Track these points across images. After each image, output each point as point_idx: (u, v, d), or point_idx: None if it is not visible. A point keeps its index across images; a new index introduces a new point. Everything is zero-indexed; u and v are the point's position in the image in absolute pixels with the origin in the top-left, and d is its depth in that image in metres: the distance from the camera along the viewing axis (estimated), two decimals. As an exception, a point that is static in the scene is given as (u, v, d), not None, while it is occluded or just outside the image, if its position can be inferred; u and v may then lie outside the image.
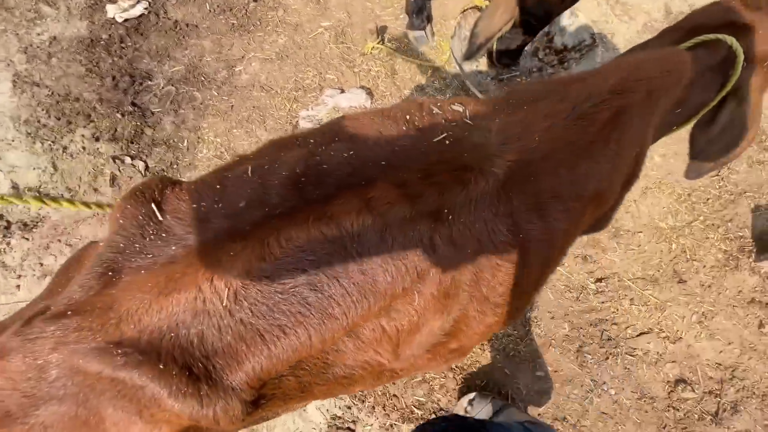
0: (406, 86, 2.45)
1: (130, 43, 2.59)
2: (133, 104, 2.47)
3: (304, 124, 2.36)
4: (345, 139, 0.80)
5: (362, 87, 2.43)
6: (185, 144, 2.39)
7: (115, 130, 2.40)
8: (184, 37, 2.61)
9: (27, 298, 1.99)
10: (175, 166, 2.35)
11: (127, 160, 2.34)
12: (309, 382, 0.75)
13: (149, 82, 2.52)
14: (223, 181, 0.74)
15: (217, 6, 2.67)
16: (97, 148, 2.36)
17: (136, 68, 2.53)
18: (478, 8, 2.32)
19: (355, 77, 2.47)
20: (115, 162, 2.33)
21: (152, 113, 2.45)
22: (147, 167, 2.35)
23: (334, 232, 0.66)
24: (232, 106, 2.45)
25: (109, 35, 2.58)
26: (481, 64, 2.43)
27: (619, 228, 2.20)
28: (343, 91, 2.42)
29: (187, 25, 2.64)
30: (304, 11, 2.63)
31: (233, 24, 2.62)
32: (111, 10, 2.65)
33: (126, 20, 2.60)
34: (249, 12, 2.65)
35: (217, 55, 2.56)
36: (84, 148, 2.35)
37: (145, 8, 2.66)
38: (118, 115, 2.43)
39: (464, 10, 2.24)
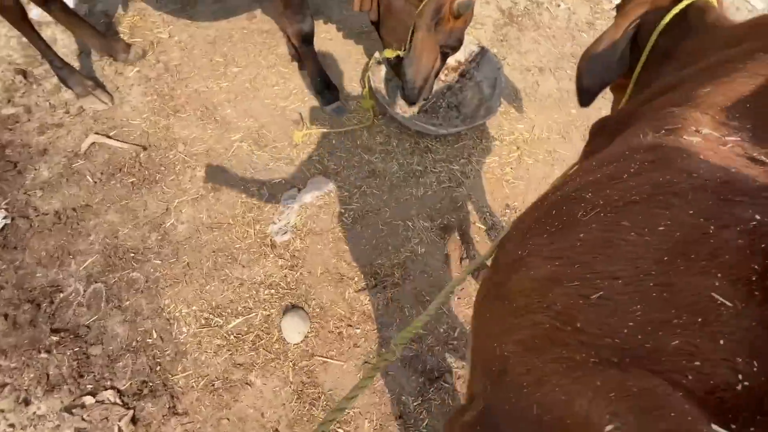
0: (354, 153, 2.41)
1: (4, 266, 1.98)
2: (55, 331, 1.86)
3: (282, 239, 2.11)
4: None
5: (315, 174, 2.30)
6: (155, 335, 1.89)
7: (47, 376, 1.77)
8: (77, 223, 2.11)
9: None
10: (158, 368, 1.82)
11: (89, 400, 1.73)
12: None
13: (61, 294, 1.95)
14: None
15: (101, 173, 2.25)
16: (34, 413, 1.69)
17: (32, 289, 1.94)
18: (380, 61, 2.47)
19: (300, 170, 2.34)
20: (72, 414, 1.70)
21: (87, 327, 1.89)
22: (120, 392, 1.77)
23: None
24: (188, 263, 2.04)
25: (-26, 270, 1.93)
26: (400, 103, 2.56)
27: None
28: (299, 189, 2.25)
29: (74, 209, 2.15)
30: (207, 135, 2.40)
31: (132, 182, 2.24)
32: (-44, 241, 2.01)
33: (-12, 242, 2.00)
34: (143, 163, 2.30)
35: (134, 222, 2.13)
36: (13, 425, 1.66)
37: (5, 217, 2.09)
38: (42, 356, 1.80)
39: (369, 66, 2.36)
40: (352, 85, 2.68)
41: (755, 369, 0.43)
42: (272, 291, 2.00)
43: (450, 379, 1.88)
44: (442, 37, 2.00)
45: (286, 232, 2.13)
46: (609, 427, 0.43)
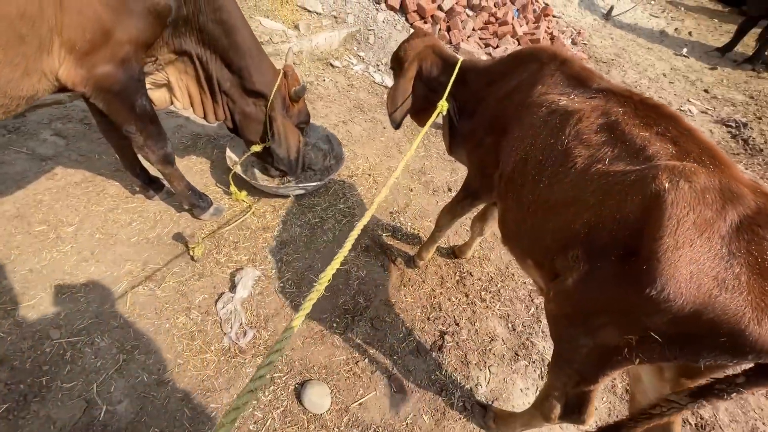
0: (256, 239, 2.50)
1: None
2: None
3: (246, 340, 2.02)
4: None
5: (235, 271, 2.29)
6: None
7: None
8: None
9: None
10: None
11: None
12: None
13: None
14: None
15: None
16: None
17: None
18: (235, 161, 2.68)
19: (216, 276, 2.27)
20: None
21: None
22: None
23: None
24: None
25: None
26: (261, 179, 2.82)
27: (415, 174, 3.39)
28: (233, 289, 2.20)
29: None
30: (84, 305, 2.02)
31: (18, 401, 1.67)
32: None
33: None
34: (17, 379, 1.75)
35: (48, 446, 1.60)
36: None
37: None
38: None
39: (233, 167, 2.55)
40: (209, 188, 2.76)
41: None
42: (271, 389, 1.90)
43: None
44: (294, 118, 2.46)
45: (245, 333, 2.05)
46: None
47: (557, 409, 1.45)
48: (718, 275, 0.94)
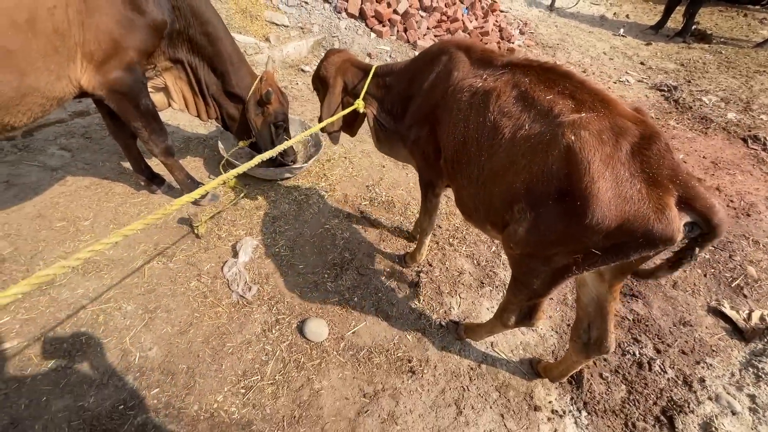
0: (251, 217, 2.87)
1: None
2: None
3: (251, 293, 2.37)
4: None
5: (233, 245, 2.64)
6: (211, 436, 1.83)
7: None
8: None
9: None
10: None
11: None
12: None
13: None
14: None
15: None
16: None
17: None
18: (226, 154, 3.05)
19: (220, 248, 2.62)
20: None
21: None
22: (221, 500, 1.66)
23: None
24: (187, 367, 2.03)
25: None
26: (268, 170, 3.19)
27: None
28: (235, 256, 2.55)
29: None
30: (108, 278, 2.35)
31: (65, 364, 1.99)
32: None
33: None
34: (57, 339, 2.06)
35: (95, 386, 1.93)
36: None
37: None
38: None
39: (224, 158, 2.92)
40: (204, 180, 3.13)
41: None
42: (277, 327, 2.26)
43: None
44: (271, 117, 2.86)
45: (250, 288, 2.41)
46: None
47: (513, 318, 1.80)
48: (626, 194, 1.17)
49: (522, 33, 6.85)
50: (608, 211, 1.17)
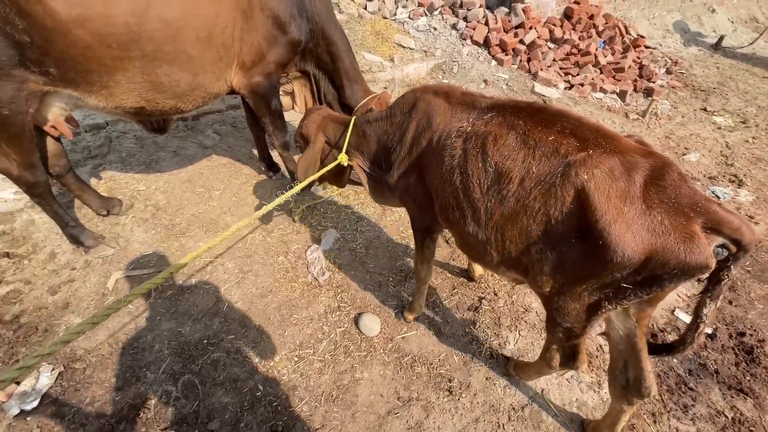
0: (340, 211, 3.20)
1: (73, 409, 1.99)
2: (164, 430, 1.94)
3: (324, 278, 2.65)
4: None
5: (320, 233, 2.99)
6: (261, 389, 2.12)
7: (180, 465, 1.82)
8: (134, 343, 2.27)
9: None
10: (279, 410, 2.04)
11: (234, 460, 1.84)
12: None
13: (153, 401, 2.04)
14: None
15: (136, 300, 2.48)
16: (187, 498, 1.72)
17: (116, 412, 1.99)
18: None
19: (308, 234, 2.99)
20: (225, 478, 1.78)
21: (195, 412, 2.01)
22: (257, 443, 1.92)
23: None
24: (258, 325, 2.38)
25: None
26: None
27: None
28: (318, 243, 2.89)
29: (124, 334, 2.31)
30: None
31: (171, 294, 2.52)
32: (12, 407, 1.96)
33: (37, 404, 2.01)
34: (172, 277, 2.62)
35: (191, 319, 2.40)
36: None
37: (53, 370, 2.13)
38: (167, 450, 1.86)
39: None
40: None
41: None
42: (336, 313, 2.48)
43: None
44: None
45: (324, 273, 2.69)
46: None
47: (557, 359, 1.70)
48: (649, 227, 1.16)
49: (669, 72, 6.10)
50: (632, 246, 1.16)
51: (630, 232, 1.16)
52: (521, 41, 5.27)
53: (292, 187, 2.07)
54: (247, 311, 2.46)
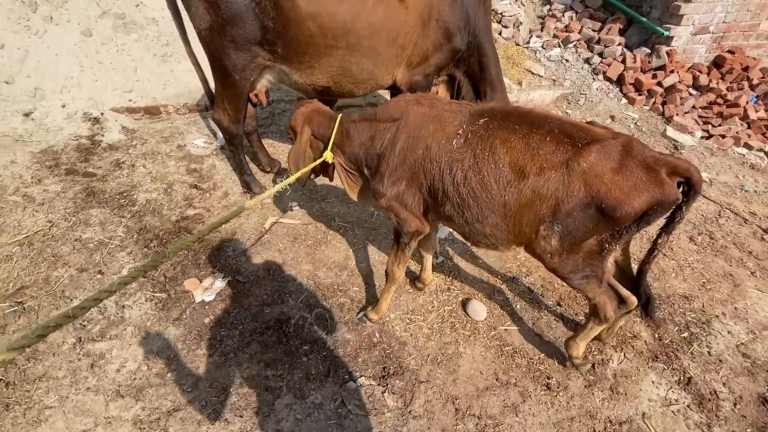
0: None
1: (237, 309, 2.50)
2: (302, 343, 2.35)
3: (438, 260, 2.93)
4: None
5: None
6: (377, 336, 2.44)
7: (310, 374, 2.20)
8: (282, 275, 2.75)
9: None
10: (391, 356, 2.34)
11: (351, 386, 2.17)
12: None
13: (293, 321, 2.48)
14: None
15: (284, 242, 3.00)
16: (312, 402, 2.09)
17: (267, 321, 2.45)
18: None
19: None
20: (342, 397, 2.11)
21: (323, 339, 2.40)
22: (369, 377, 2.23)
23: None
24: (379, 285, 2.73)
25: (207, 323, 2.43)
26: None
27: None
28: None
29: (276, 265, 2.81)
30: (353, 209, 3.34)
31: (310, 244, 3.00)
32: (198, 296, 2.53)
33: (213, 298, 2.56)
34: (313, 233, 3.11)
35: (325, 266, 2.83)
36: (298, 418, 2.03)
37: (224, 278, 2.68)
38: (303, 359, 2.26)
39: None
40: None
41: None
42: (446, 293, 2.74)
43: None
44: None
45: (438, 257, 2.98)
46: None
47: (609, 306, 1.99)
48: (636, 185, 1.59)
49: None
50: (630, 200, 1.59)
51: (625, 193, 1.59)
52: (659, 83, 5.11)
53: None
54: (369, 272, 2.84)
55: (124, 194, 3.26)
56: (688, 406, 2.20)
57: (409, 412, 2.08)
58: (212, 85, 2.96)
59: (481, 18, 2.99)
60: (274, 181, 3.62)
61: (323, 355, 2.31)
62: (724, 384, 2.31)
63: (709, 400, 2.23)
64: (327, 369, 2.24)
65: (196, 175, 3.55)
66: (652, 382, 2.31)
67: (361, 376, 2.23)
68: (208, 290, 2.56)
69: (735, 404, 2.22)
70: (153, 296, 2.51)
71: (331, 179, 2.55)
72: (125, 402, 2.01)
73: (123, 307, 2.44)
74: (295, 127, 2.31)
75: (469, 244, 2.13)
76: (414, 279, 2.75)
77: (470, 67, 3.22)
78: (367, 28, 2.53)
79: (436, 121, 1.91)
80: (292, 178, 2.09)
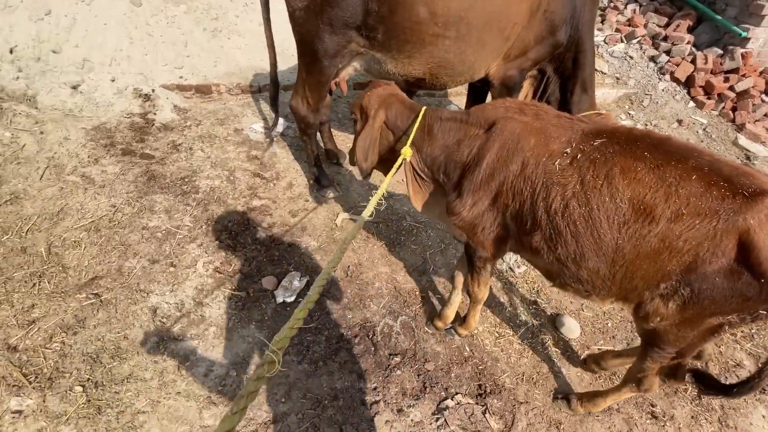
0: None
1: (318, 312, 2.36)
2: (392, 354, 2.22)
3: (519, 270, 2.79)
4: None
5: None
6: (467, 350, 2.31)
7: (405, 389, 2.08)
8: (359, 276, 2.61)
9: None
10: (484, 372, 2.22)
11: (450, 403, 2.05)
12: None
13: (377, 328, 2.34)
14: None
15: (357, 240, 2.85)
16: (412, 420, 1.97)
17: (351, 326, 2.32)
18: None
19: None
20: (443, 416, 2.00)
21: (413, 350, 2.27)
22: (465, 394, 2.11)
23: None
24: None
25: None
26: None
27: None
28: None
29: (353, 266, 2.67)
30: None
31: (385, 243, 2.85)
32: (279, 296, 2.40)
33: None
34: (384, 231, 2.96)
35: (402, 270, 2.69)
36: None
37: (301, 278, 2.54)
38: (397, 373, 2.14)
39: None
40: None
41: None
42: (534, 306, 2.60)
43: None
44: None
45: (519, 266, 2.83)
46: None
47: (653, 382, 1.76)
48: None
49: None
50: None
51: None
52: (731, 87, 4.84)
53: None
54: (449, 279, 2.69)
55: (186, 180, 3.10)
56: (803, 445, 2.08)
57: (515, 436, 1.97)
58: (284, 69, 2.75)
59: (587, 11, 2.75)
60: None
61: (415, 368, 2.19)
62: (838, 423, 2.18)
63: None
64: (422, 384, 2.12)
65: (257, 162, 3.38)
66: (763, 416, 2.18)
67: (456, 393, 2.11)
68: (288, 291, 2.43)
69: None
70: (232, 294, 2.38)
71: (386, 173, 2.02)
72: (219, 410, 1.90)
73: (201, 304, 2.31)
74: (368, 109, 2.00)
75: (552, 285, 1.79)
76: (433, 317, 2.39)
77: (564, 63, 2.99)
78: (482, 17, 2.31)
79: (539, 134, 1.59)
80: (383, 186, 1.76)
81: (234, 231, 2.77)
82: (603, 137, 1.49)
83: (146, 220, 2.74)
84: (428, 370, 2.19)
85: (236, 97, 4.15)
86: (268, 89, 3.04)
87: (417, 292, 2.58)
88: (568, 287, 1.69)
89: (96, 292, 2.26)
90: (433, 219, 2.10)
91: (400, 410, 2.00)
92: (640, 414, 2.12)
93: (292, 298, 2.41)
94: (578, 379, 2.25)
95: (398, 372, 2.15)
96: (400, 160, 1.90)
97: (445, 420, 1.97)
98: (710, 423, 2.12)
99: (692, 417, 2.14)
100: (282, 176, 3.30)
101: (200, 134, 3.56)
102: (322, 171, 3.12)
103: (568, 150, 1.52)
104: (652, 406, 2.16)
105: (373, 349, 2.24)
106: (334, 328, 2.31)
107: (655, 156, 1.39)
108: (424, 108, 1.93)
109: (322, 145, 3.46)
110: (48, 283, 2.24)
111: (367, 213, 1.57)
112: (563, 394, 2.14)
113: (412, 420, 1.98)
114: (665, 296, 1.43)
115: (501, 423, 2.02)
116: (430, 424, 1.97)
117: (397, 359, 2.21)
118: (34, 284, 2.22)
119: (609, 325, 2.55)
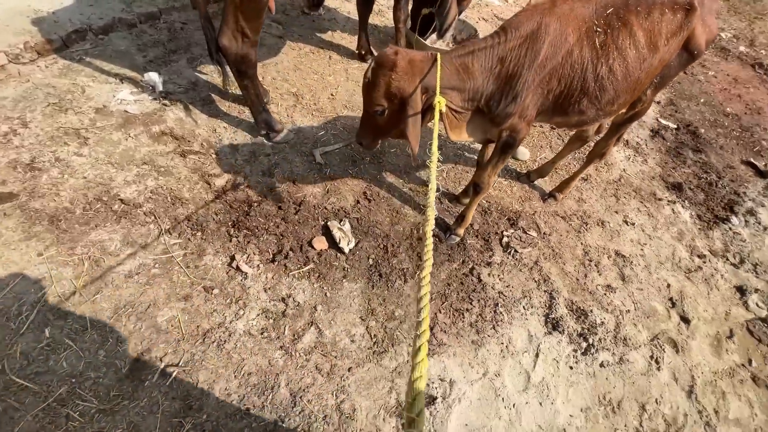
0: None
1: None
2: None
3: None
4: None
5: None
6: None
7: (478, 249, 2.62)
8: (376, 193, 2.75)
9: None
10: (505, 209, 2.93)
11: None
12: None
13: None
14: None
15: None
16: None
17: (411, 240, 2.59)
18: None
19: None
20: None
21: None
22: (506, 229, 2.82)
23: None
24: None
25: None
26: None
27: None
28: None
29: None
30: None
31: (370, 159, 2.95)
32: (345, 246, 2.39)
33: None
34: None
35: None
36: (500, 270, 2.53)
37: (344, 220, 2.53)
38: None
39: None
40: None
41: None
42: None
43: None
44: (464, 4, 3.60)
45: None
46: None
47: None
48: (705, 24, 2.07)
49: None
50: (705, 40, 2.08)
51: (704, 31, 2.07)
52: None
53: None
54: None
55: (100, 200, 2.24)
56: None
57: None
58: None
59: None
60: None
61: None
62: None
63: None
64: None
65: (172, 138, 2.63)
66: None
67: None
68: (345, 237, 2.40)
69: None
70: (302, 273, 2.22)
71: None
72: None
73: (286, 297, 2.11)
74: (403, 91, 1.79)
75: (557, 128, 2.35)
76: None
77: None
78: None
79: (575, 21, 1.87)
80: (434, 149, 1.38)
81: (235, 222, 2.35)
82: (610, 7, 1.91)
83: (119, 275, 2.01)
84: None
85: (38, 67, 2.75)
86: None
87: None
88: (585, 124, 2.21)
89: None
90: (474, 140, 2.15)
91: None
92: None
93: (353, 243, 2.40)
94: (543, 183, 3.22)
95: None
96: (437, 111, 1.67)
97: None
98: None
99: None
100: (215, 142, 2.71)
101: (51, 135, 2.41)
102: (269, 115, 2.71)
103: (599, 29, 1.88)
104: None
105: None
106: (399, 242, 2.51)
107: (642, 6, 1.92)
108: (438, 55, 1.84)
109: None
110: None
111: (432, 187, 1.22)
112: (548, 194, 3.07)
113: (497, 263, 2.58)
114: (650, 88, 2.19)
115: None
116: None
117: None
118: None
119: (543, 143, 3.54)
